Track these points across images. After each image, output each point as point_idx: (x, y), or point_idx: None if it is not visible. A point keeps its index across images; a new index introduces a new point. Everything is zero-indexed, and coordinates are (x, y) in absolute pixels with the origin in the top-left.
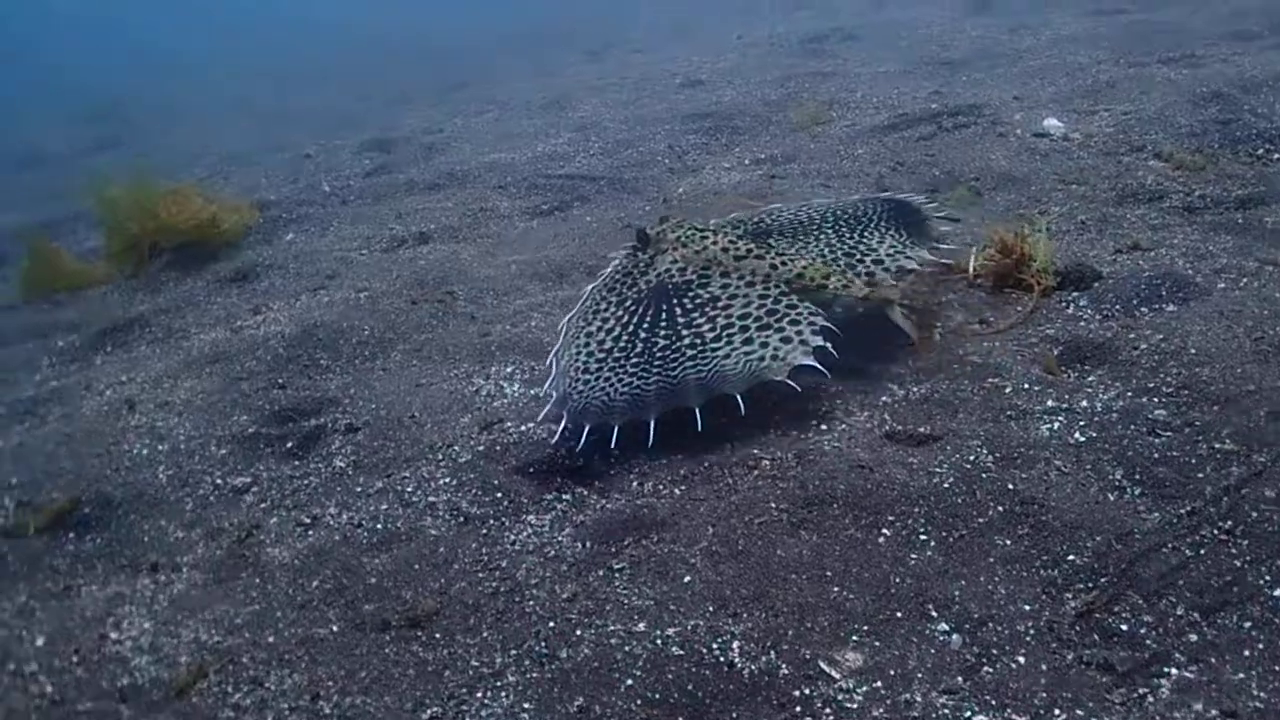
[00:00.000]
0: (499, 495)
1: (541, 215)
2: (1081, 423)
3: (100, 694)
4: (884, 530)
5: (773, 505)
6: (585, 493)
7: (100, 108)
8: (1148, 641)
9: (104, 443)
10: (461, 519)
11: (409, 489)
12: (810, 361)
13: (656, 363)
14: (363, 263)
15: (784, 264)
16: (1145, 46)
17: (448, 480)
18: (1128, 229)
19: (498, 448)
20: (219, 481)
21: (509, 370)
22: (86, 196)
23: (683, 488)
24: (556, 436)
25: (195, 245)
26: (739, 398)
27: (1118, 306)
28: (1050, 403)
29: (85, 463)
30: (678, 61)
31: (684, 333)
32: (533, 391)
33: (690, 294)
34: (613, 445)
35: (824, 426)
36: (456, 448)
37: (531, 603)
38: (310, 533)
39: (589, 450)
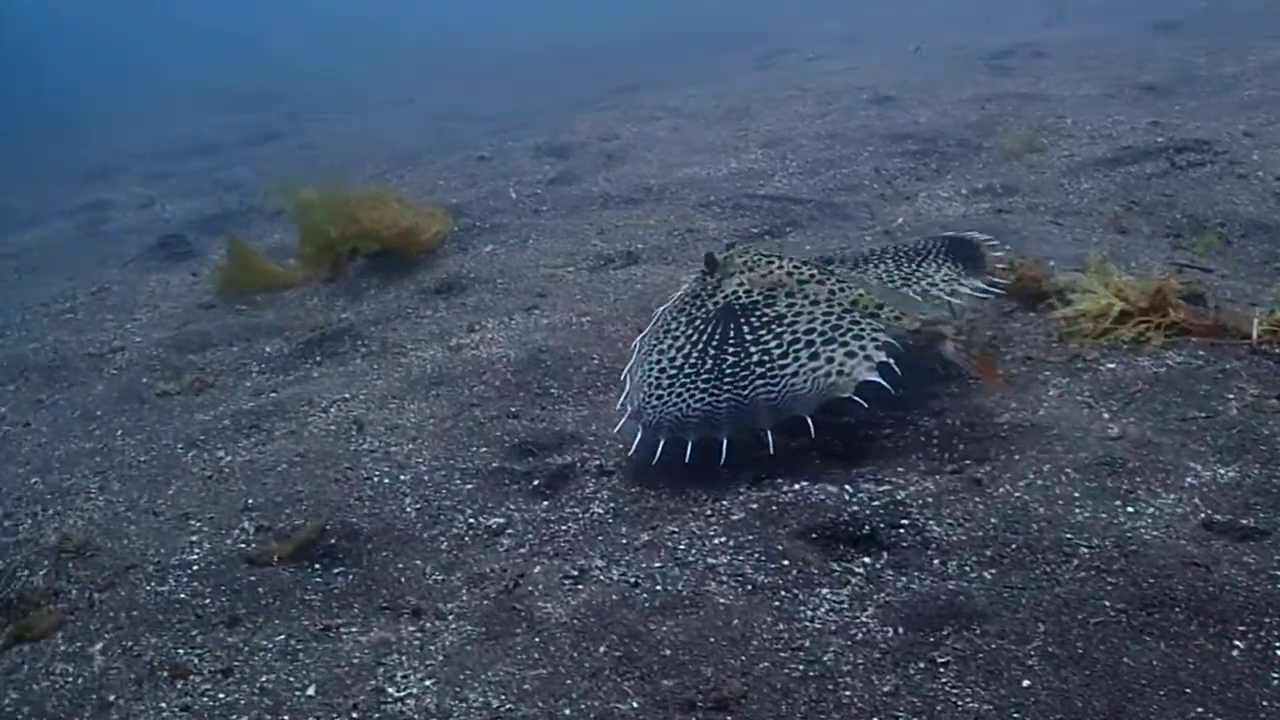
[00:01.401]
0: (785, 563)
1: (753, 239)
2: None
3: None
4: (1237, 642)
5: (1107, 604)
6: (877, 566)
7: (247, 99)
8: None
9: (339, 466)
10: (749, 587)
11: (681, 546)
12: (874, 377)
13: (727, 380)
14: (573, 282)
15: (841, 290)
16: None
17: (723, 540)
18: None
19: (773, 507)
20: (472, 520)
21: None
22: (277, 196)
23: (993, 572)
24: (633, 449)
25: (391, 253)
26: (809, 420)
27: None
28: None
29: (323, 487)
30: (857, 73)
31: (752, 350)
32: (794, 444)
33: (757, 313)
34: (685, 459)
35: (1130, 509)
36: (725, 503)
37: (848, 693)
38: (581, 588)
39: (871, 516)
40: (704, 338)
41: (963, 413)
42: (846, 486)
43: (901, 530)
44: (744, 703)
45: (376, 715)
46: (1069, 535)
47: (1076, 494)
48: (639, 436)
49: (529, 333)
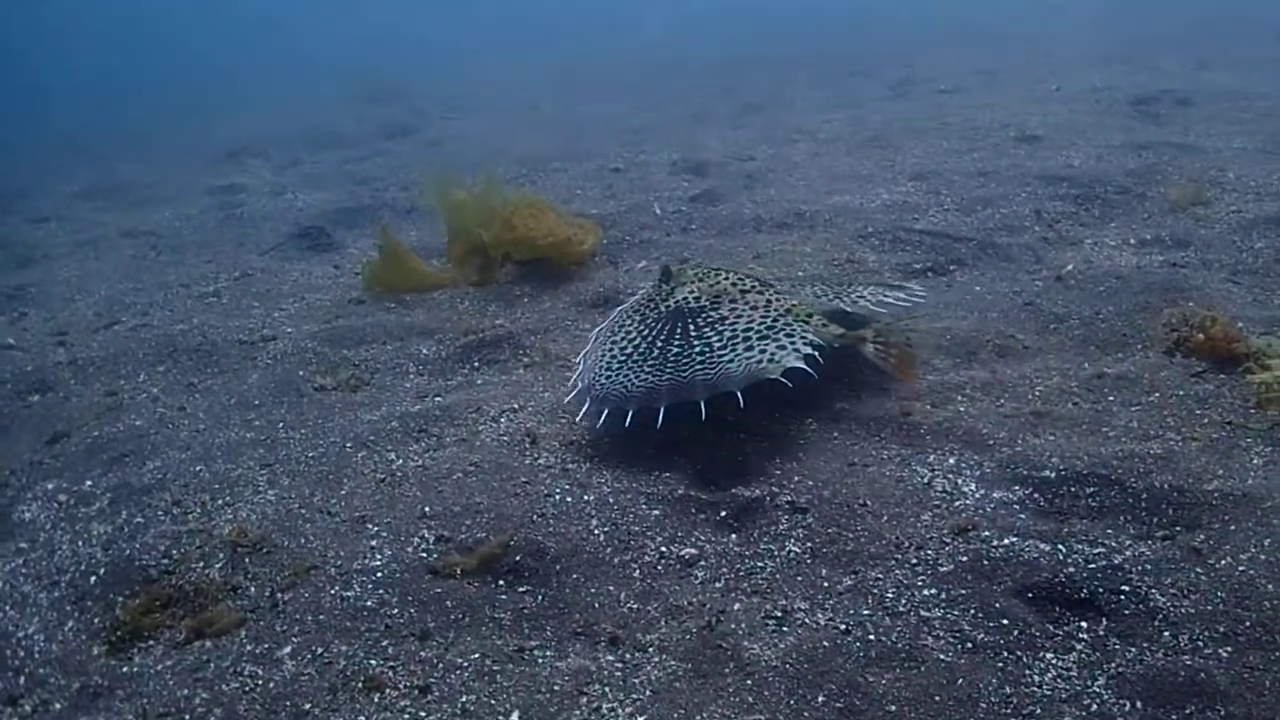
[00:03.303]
0: (1004, 622)
1: (917, 275)
2: None
3: None
4: None
5: None
6: (1100, 633)
7: (377, 92)
8: None
9: (517, 480)
10: (968, 644)
11: (889, 594)
12: (800, 364)
13: (670, 365)
14: None
15: (778, 300)
16: None
17: (933, 592)
18: None
19: (984, 562)
20: (663, 549)
21: (952, 462)
22: (428, 196)
23: (1229, 650)
24: (580, 417)
25: (543, 261)
26: (739, 394)
27: None
28: None
29: (502, 501)
30: (996, 109)
31: (695, 343)
32: (996, 495)
33: (703, 315)
34: (626, 424)
35: None
36: (929, 552)
37: None
38: (786, 630)
39: (1089, 580)
40: (654, 333)
41: (1169, 475)
42: (1060, 546)
43: (1122, 597)
44: None
45: None
46: None
47: None
48: (586, 406)
49: None
